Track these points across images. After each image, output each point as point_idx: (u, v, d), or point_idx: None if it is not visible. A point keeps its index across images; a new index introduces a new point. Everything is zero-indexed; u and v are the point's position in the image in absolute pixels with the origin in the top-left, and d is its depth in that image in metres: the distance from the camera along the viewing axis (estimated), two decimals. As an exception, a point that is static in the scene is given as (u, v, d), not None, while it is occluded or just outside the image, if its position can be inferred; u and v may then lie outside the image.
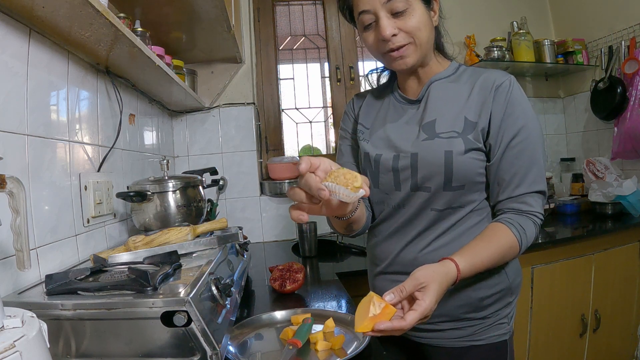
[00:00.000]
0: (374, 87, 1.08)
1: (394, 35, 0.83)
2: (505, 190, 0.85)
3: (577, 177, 2.27)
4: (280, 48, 2.30)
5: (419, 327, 0.90)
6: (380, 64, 1.02)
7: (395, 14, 0.83)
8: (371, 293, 0.69)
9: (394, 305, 0.68)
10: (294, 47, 2.33)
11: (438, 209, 0.88)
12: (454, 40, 0.95)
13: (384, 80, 1.07)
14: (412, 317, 0.65)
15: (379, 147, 0.94)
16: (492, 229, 0.83)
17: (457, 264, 0.74)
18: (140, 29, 1.21)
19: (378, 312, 0.66)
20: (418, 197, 0.88)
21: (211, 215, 1.77)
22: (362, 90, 2.29)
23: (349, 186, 0.58)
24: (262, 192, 2.11)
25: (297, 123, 2.34)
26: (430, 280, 0.69)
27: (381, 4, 0.82)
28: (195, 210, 1.21)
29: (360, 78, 2.33)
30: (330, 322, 0.88)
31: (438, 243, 0.88)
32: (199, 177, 1.28)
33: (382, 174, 0.93)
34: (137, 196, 1.11)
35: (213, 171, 1.54)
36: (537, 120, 0.86)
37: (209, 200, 1.55)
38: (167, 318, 0.62)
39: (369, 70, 1.11)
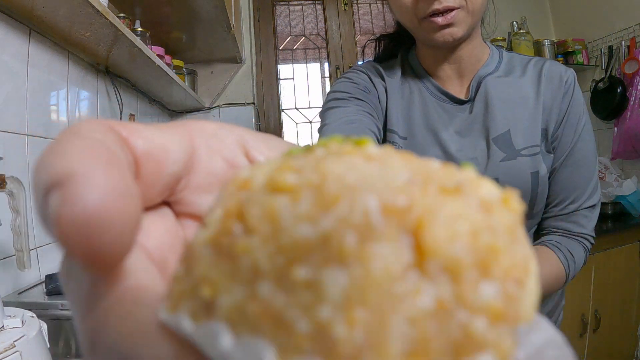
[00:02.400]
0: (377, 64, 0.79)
1: None
2: (557, 205, 0.71)
3: (577, 177, 2.27)
4: (280, 48, 2.30)
5: None
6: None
7: None
8: None
9: None
10: (294, 47, 2.33)
11: None
12: (483, 32, 0.82)
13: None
14: None
15: None
16: (538, 256, 0.67)
17: None
18: (140, 29, 1.21)
19: None
20: None
21: (211, 215, 1.77)
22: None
23: None
24: (262, 192, 2.11)
25: (297, 123, 2.33)
26: None
27: None
28: (195, 210, 1.21)
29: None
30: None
31: None
32: (199, 177, 1.28)
33: None
34: (137, 196, 1.11)
35: (213, 171, 1.54)
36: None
37: (209, 200, 1.55)
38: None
39: (377, 37, 0.82)
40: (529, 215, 0.70)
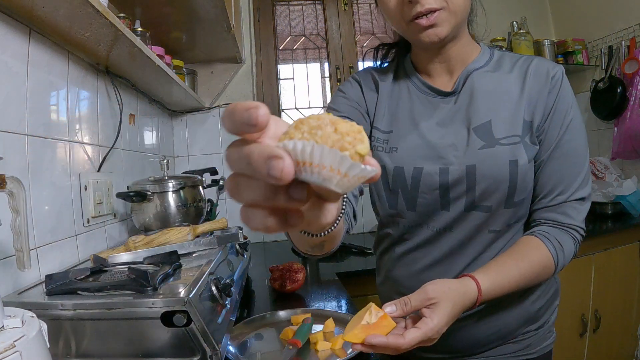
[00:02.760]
0: (377, 67, 0.86)
1: None
2: (546, 197, 0.72)
3: (577, 177, 2.27)
4: (280, 48, 2.30)
5: (465, 352, 0.79)
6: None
7: None
8: (371, 303, 0.58)
9: (395, 319, 0.57)
10: (294, 47, 2.33)
11: (496, 230, 0.73)
12: (475, 32, 0.85)
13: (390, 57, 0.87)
14: (413, 336, 0.54)
15: (415, 158, 0.73)
16: (525, 244, 0.70)
17: (479, 284, 0.62)
18: (140, 29, 1.21)
19: (373, 322, 0.55)
20: (473, 218, 0.72)
21: (211, 215, 1.77)
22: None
23: (346, 149, 0.25)
24: (262, 192, 2.11)
25: (297, 123, 2.33)
26: (443, 297, 0.58)
27: None
28: (195, 210, 1.21)
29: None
30: (330, 322, 0.88)
31: None
32: (199, 177, 1.28)
33: (423, 193, 0.73)
34: (137, 196, 1.11)
35: (213, 171, 1.54)
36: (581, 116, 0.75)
37: (209, 200, 1.55)
38: (167, 318, 0.62)
39: (376, 46, 0.88)
40: (509, 204, 0.71)
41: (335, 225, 0.46)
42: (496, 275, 0.65)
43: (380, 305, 0.59)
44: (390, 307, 0.58)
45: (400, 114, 0.78)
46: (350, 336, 0.55)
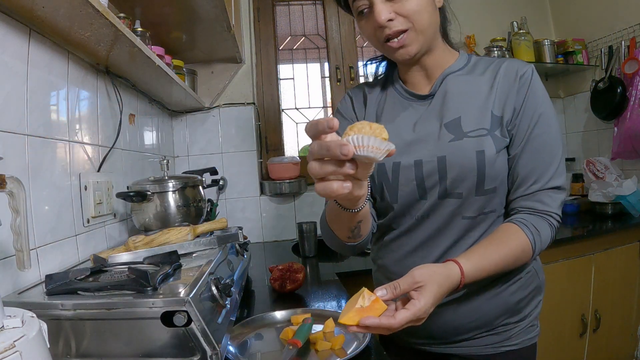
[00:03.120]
0: (371, 79, 0.98)
1: (390, 20, 0.76)
2: (521, 187, 0.78)
3: (577, 177, 2.27)
4: (280, 48, 2.30)
5: (449, 339, 0.85)
6: (379, 53, 0.93)
7: None
8: (363, 288, 0.63)
9: (386, 302, 0.62)
10: (294, 47, 2.33)
11: (470, 216, 0.80)
12: (453, 40, 0.92)
13: (382, 70, 0.97)
14: (402, 317, 0.60)
15: (395, 155, 0.84)
16: (504, 231, 0.76)
17: (461, 267, 0.69)
18: (140, 29, 1.21)
19: (367, 305, 0.61)
20: (447, 204, 0.80)
21: (211, 215, 1.77)
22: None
23: (378, 136, 0.48)
24: (262, 192, 2.11)
25: (297, 123, 2.33)
26: (429, 280, 0.64)
27: None
28: (195, 210, 1.21)
29: (360, 78, 2.33)
30: (330, 322, 0.88)
31: None
32: (199, 177, 1.28)
33: (402, 185, 0.82)
34: (137, 196, 1.11)
35: (213, 171, 1.54)
36: (554, 111, 0.81)
37: (209, 200, 1.55)
38: (167, 318, 0.62)
39: (366, 60, 1.00)
40: (480, 192, 0.78)
41: (365, 203, 0.66)
42: (478, 259, 0.71)
43: (372, 291, 0.64)
44: (381, 291, 0.63)
45: (383, 118, 0.88)
46: (345, 319, 0.60)
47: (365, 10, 0.79)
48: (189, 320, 0.61)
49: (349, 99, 0.96)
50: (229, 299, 0.80)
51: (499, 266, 0.73)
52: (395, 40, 0.78)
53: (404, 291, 0.64)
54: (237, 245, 1.13)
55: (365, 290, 0.62)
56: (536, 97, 0.78)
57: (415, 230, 0.84)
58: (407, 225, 0.85)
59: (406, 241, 0.86)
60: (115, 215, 1.20)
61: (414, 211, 0.83)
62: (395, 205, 0.85)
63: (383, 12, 0.75)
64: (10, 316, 0.45)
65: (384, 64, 0.97)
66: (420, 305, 0.62)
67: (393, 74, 0.92)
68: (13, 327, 0.43)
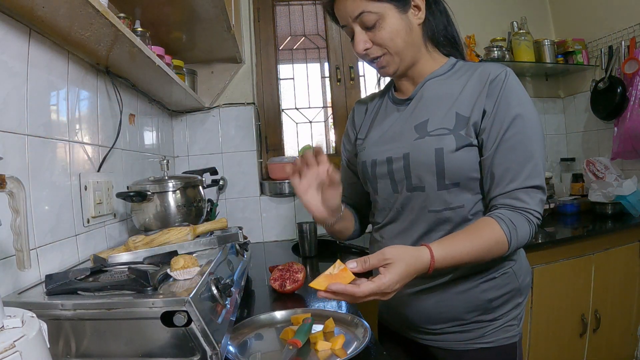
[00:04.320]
0: (379, 89, 1.07)
1: (367, 48, 0.86)
2: (498, 186, 0.80)
3: (577, 177, 2.27)
4: (280, 48, 2.30)
5: (425, 328, 0.90)
6: None
7: (368, 27, 0.84)
8: (337, 259, 0.70)
9: (355, 274, 0.68)
10: (294, 47, 2.33)
11: (435, 210, 0.85)
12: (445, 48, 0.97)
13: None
14: (367, 287, 0.65)
15: (373, 153, 0.93)
16: (479, 223, 0.79)
17: (432, 251, 0.72)
18: (140, 29, 1.21)
19: (335, 273, 0.66)
20: (416, 198, 0.86)
21: (211, 215, 1.77)
22: (361, 91, 2.31)
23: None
24: (262, 192, 2.11)
25: (297, 123, 2.33)
26: (397, 258, 0.68)
27: (352, 19, 0.85)
28: (195, 210, 1.21)
29: (360, 78, 2.33)
30: (330, 322, 0.88)
31: None
32: (199, 177, 1.28)
33: (379, 179, 0.91)
34: (137, 196, 1.11)
35: (213, 171, 1.54)
36: (535, 112, 0.82)
37: (209, 200, 1.55)
38: (167, 318, 0.62)
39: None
40: (441, 186, 0.83)
41: (340, 214, 0.91)
42: (449, 245, 0.75)
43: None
44: (352, 264, 0.69)
45: (376, 123, 0.98)
46: (314, 283, 0.66)
47: (352, 35, 0.88)
48: (189, 320, 0.61)
49: (352, 115, 1.08)
50: (229, 299, 0.80)
51: (471, 255, 0.75)
52: (375, 62, 0.89)
53: (372, 266, 0.69)
54: (237, 245, 1.13)
55: (337, 261, 0.69)
56: (509, 99, 0.80)
57: (394, 222, 0.92)
58: (389, 218, 0.93)
59: (387, 233, 0.94)
60: (115, 215, 1.20)
61: (391, 204, 0.91)
62: (378, 198, 0.94)
63: (360, 43, 0.86)
64: (10, 316, 0.45)
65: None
66: (385, 279, 0.66)
67: (391, 84, 1.02)
68: (13, 327, 0.43)
